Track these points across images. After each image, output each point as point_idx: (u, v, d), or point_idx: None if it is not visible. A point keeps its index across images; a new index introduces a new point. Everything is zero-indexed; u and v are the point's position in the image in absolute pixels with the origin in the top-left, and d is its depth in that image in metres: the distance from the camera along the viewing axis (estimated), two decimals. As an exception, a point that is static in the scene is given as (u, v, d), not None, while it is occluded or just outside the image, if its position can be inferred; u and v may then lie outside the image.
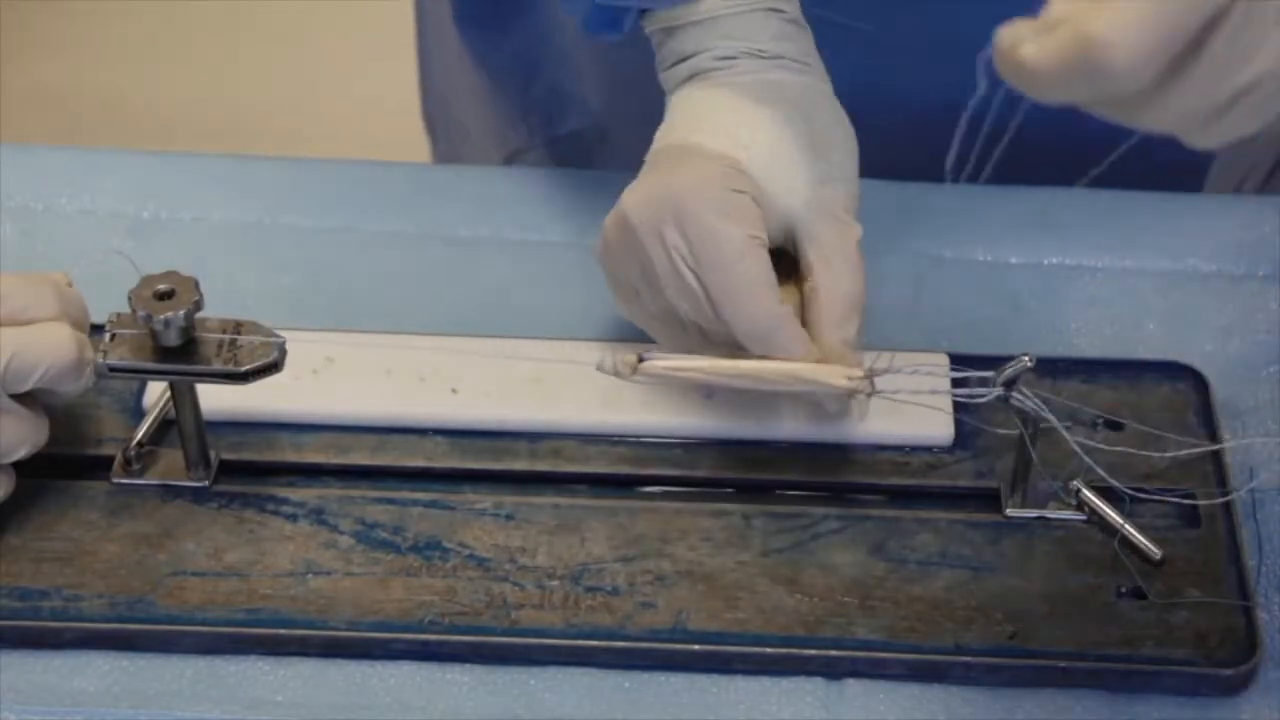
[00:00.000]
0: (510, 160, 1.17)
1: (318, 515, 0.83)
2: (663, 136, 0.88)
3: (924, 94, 0.92)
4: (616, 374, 0.79)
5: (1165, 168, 0.97)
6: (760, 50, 0.87)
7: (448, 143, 1.25)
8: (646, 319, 0.86)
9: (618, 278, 0.86)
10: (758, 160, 0.85)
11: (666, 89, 0.90)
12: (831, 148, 0.86)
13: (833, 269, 0.84)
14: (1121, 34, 0.63)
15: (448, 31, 1.15)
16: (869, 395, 0.80)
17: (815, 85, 0.88)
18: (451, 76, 1.18)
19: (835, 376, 0.79)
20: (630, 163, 0.89)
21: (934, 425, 0.86)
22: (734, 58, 0.87)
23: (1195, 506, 0.83)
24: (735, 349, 0.82)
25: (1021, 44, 0.65)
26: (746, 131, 0.86)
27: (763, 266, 0.82)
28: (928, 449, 0.86)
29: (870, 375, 0.80)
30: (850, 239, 0.85)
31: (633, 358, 0.79)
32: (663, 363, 0.79)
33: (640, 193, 0.84)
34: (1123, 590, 0.80)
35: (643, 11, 0.88)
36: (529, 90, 1.13)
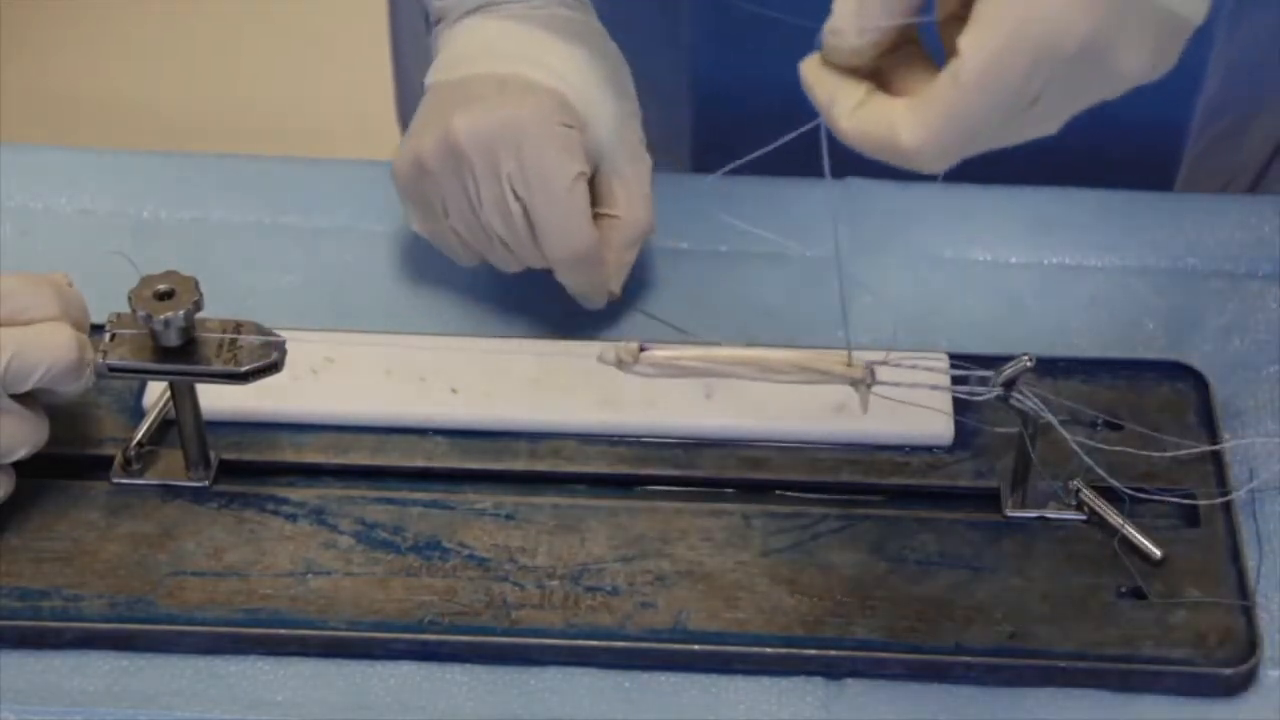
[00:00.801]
0: None
1: (318, 515, 0.83)
2: (457, 65, 0.91)
3: None
4: (619, 364, 0.79)
5: (1131, 168, 0.97)
6: None
7: None
8: (444, 236, 0.91)
9: (426, 198, 0.90)
10: (575, 94, 0.90)
11: (444, 18, 0.93)
12: (626, 82, 0.92)
13: (633, 200, 0.91)
14: (926, 143, 0.67)
15: (421, 30, 1.15)
16: (869, 386, 0.80)
17: (595, 23, 0.93)
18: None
19: (836, 365, 0.79)
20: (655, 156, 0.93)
21: (934, 425, 0.86)
22: None
23: (1195, 506, 0.83)
24: (540, 264, 0.89)
25: (835, 108, 0.70)
26: (559, 64, 0.90)
27: (585, 197, 0.88)
28: (928, 449, 0.86)
29: (870, 366, 0.80)
30: (646, 172, 0.92)
31: (634, 348, 0.79)
32: (664, 353, 0.79)
33: (474, 120, 0.87)
34: (1123, 590, 0.80)
35: None
36: None
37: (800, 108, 1.03)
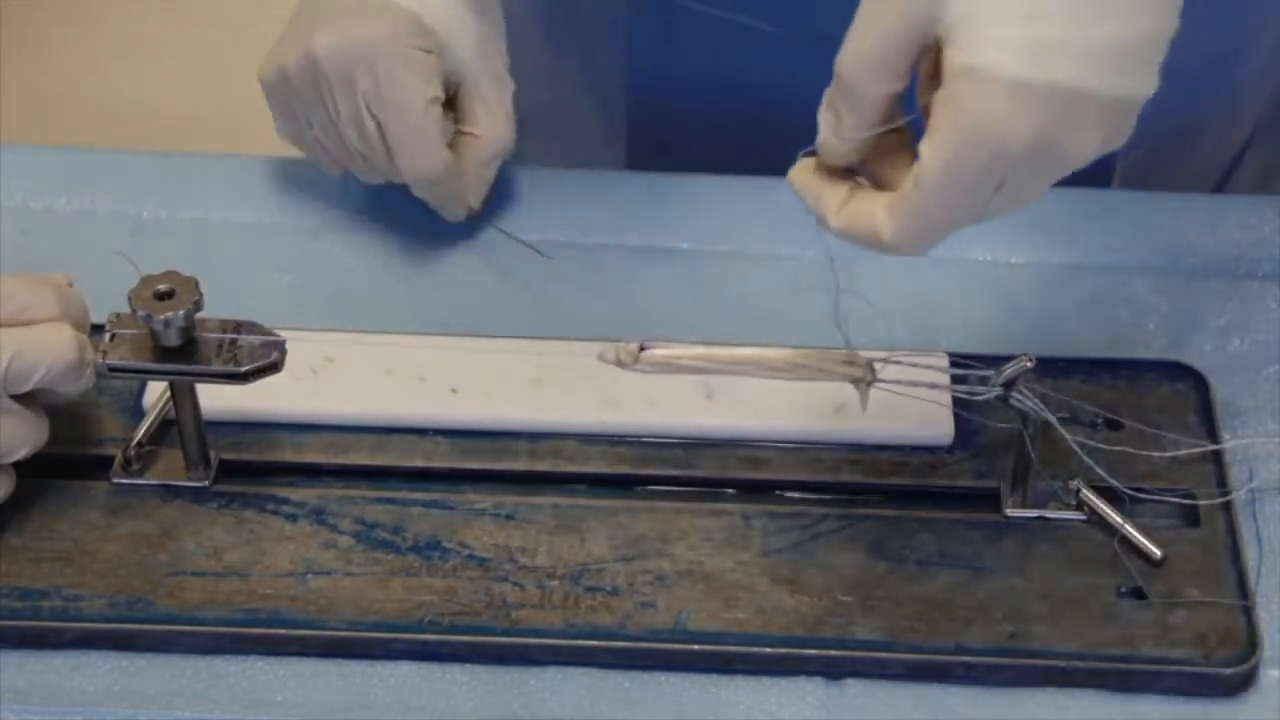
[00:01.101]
0: None
1: (318, 515, 0.83)
2: None
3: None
4: (619, 363, 0.79)
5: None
6: None
7: None
8: (309, 145, 0.95)
9: (290, 108, 0.93)
10: (434, 15, 0.92)
11: None
12: (490, 5, 0.95)
13: (494, 120, 0.95)
14: (901, 238, 0.73)
15: None
16: (869, 384, 0.80)
17: None
18: None
19: (836, 364, 0.79)
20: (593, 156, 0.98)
21: (934, 425, 0.86)
22: None
23: (1195, 506, 0.83)
24: (398, 180, 0.93)
25: (821, 208, 0.75)
26: None
27: (438, 121, 0.92)
28: (928, 449, 0.86)
29: (870, 364, 0.80)
30: (508, 94, 0.96)
31: (634, 347, 0.79)
32: (664, 352, 0.79)
33: (332, 39, 0.90)
34: (1123, 590, 0.81)
35: None
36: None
37: (734, 105, 1.04)
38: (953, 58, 0.70)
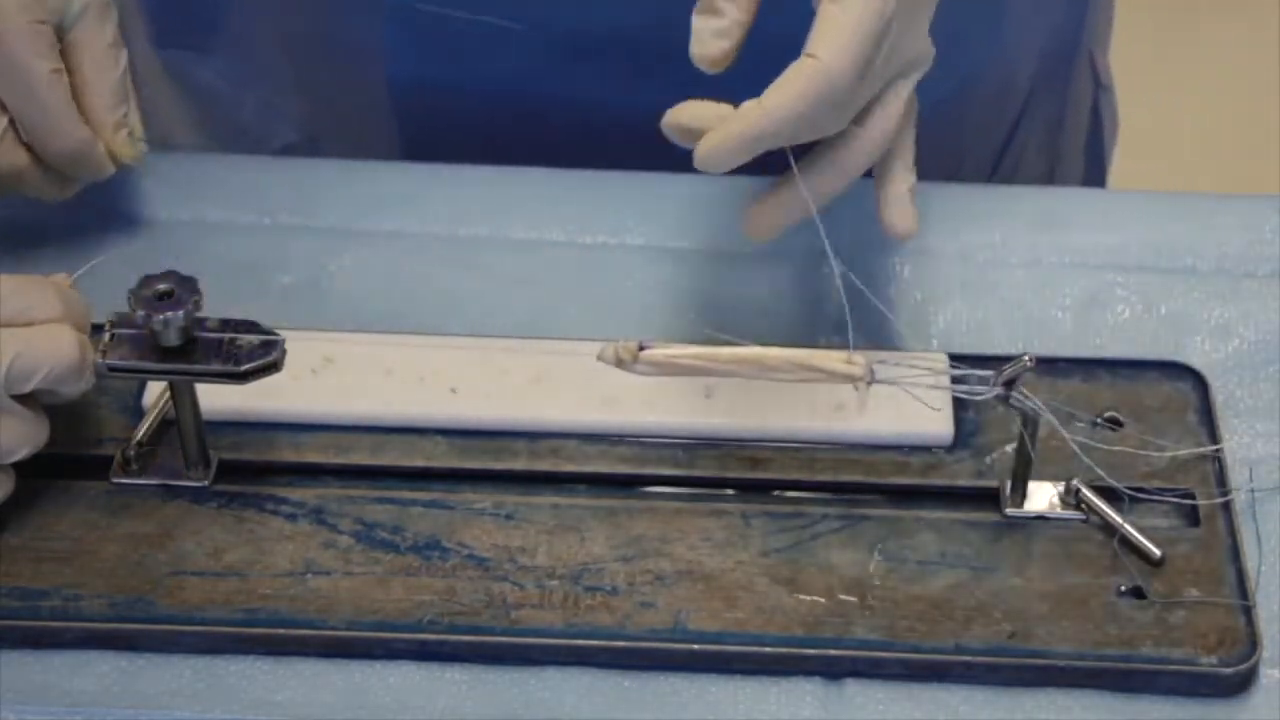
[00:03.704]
0: None
1: (317, 515, 0.83)
2: None
3: (586, 92, 0.99)
4: (618, 364, 0.79)
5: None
6: None
7: None
8: None
9: None
10: None
11: None
12: None
13: (101, 67, 0.92)
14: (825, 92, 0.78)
15: (149, 54, 1.15)
16: (868, 384, 0.80)
17: None
18: (159, 100, 1.18)
19: (835, 364, 0.79)
20: None
21: (933, 425, 0.86)
22: None
23: (1195, 506, 0.83)
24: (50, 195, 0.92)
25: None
26: None
27: (66, 93, 0.90)
28: (927, 449, 0.86)
29: (870, 365, 0.80)
30: (110, 33, 0.93)
31: (633, 347, 0.79)
32: (663, 352, 0.79)
33: None
34: (1123, 590, 0.81)
35: None
36: (240, 110, 1.14)
37: (497, 108, 1.05)
38: None
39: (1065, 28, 1.13)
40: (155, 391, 0.87)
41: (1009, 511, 0.83)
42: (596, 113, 0.98)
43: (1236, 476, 0.85)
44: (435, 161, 1.02)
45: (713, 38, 0.81)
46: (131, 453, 0.85)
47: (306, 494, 0.84)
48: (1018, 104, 1.13)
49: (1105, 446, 0.83)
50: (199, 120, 1.16)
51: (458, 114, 1.06)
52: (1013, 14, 1.05)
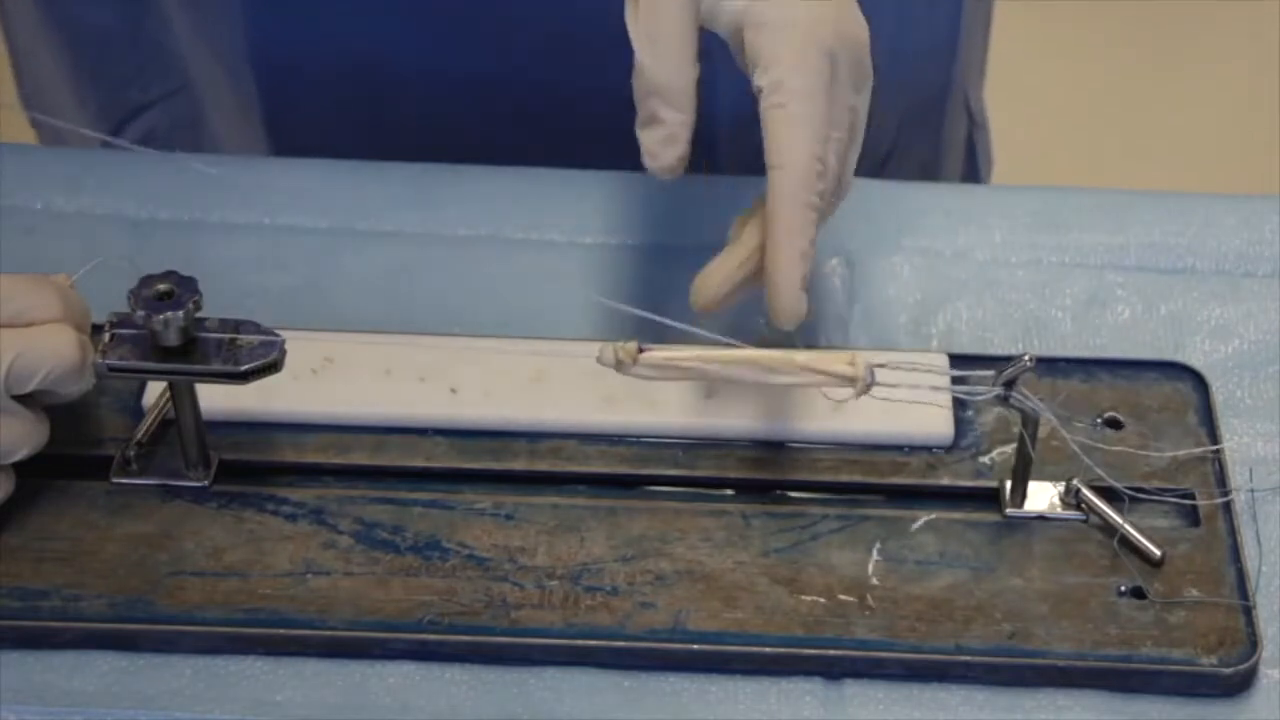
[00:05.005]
0: (120, 129, 1.15)
1: (317, 515, 0.83)
2: None
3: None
4: (617, 366, 0.79)
5: None
6: None
7: (51, 126, 1.21)
8: None
9: None
10: None
11: None
12: None
13: None
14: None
15: (28, 9, 1.14)
16: (869, 386, 0.80)
17: None
18: (41, 54, 1.16)
19: (836, 366, 0.79)
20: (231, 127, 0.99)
21: (934, 425, 0.86)
22: None
23: (1195, 506, 0.83)
24: None
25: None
26: None
27: None
28: (927, 448, 0.86)
29: (870, 366, 0.80)
30: None
31: (633, 348, 0.79)
32: (662, 354, 0.79)
33: None
34: (1123, 590, 0.80)
35: None
36: (131, 55, 1.12)
37: (365, 73, 1.06)
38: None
39: (933, 68, 1.13)
40: (155, 391, 0.87)
41: (1009, 512, 0.83)
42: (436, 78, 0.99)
43: (1236, 477, 0.85)
44: (301, 130, 1.02)
45: (662, 147, 0.81)
46: (131, 453, 0.85)
47: (306, 494, 0.84)
48: (885, 145, 1.13)
49: (1105, 447, 0.83)
50: (89, 71, 1.14)
51: (322, 77, 1.05)
52: (876, 53, 1.04)
